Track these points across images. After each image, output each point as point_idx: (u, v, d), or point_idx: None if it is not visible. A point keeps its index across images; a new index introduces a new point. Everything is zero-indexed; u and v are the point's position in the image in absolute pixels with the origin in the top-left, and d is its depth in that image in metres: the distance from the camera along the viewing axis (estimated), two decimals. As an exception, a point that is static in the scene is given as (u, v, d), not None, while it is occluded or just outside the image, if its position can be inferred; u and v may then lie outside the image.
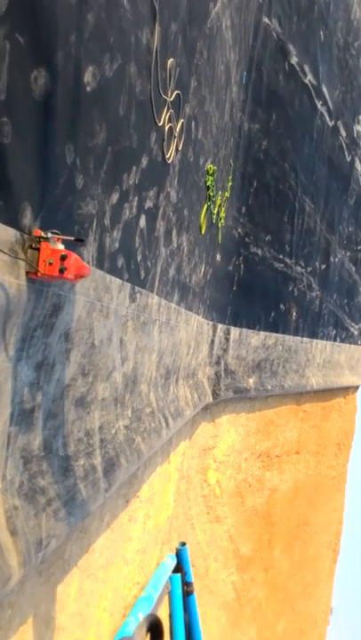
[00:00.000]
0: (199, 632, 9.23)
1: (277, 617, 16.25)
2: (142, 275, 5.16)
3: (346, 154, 16.60)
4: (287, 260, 13.16)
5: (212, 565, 11.38)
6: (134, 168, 4.41)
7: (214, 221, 8.35)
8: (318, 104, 13.63)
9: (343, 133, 15.99)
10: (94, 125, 3.53)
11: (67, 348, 3.57)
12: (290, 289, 13.70)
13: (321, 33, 13.11)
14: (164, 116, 4.94)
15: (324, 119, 14.27)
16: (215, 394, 9.96)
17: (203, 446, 10.43)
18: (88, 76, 3.32)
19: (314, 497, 18.75)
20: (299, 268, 14.03)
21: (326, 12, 13.33)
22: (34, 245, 2.78)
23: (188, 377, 8.36)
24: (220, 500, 11.52)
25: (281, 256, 12.75)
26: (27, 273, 2.77)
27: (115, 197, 4.08)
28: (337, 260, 17.37)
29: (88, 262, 3.76)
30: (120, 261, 4.46)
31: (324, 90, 13.82)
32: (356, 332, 21.21)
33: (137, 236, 4.82)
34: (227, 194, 8.95)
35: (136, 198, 4.60)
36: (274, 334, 12.86)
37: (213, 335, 9.71)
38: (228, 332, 10.32)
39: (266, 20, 10.07)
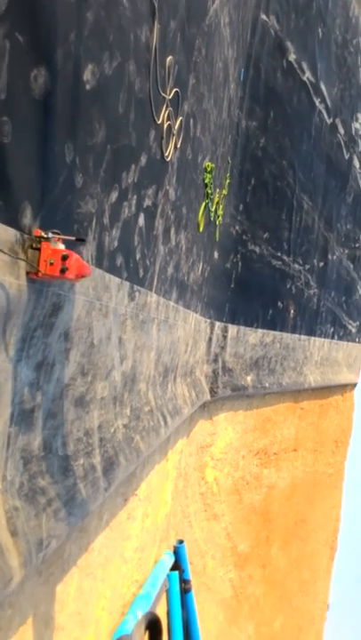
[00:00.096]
0: (197, 629, 9.25)
1: (275, 614, 16.31)
2: (141, 273, 5.15)
3: (344, 151, 16.58)
4: (285, 257, 13.15)
5: (210, 563, 11.40)
6: (133, 166, 4.40)
7: (212, 219, 8.34)
8: (316, 101, 13.60)
9: (341, 131, 15.97)
10: (94, 124, 3.51)
11: (66, 348, 3.57)
12: (288, 286, 13.69)
13: (319, 30, 13.08)
14: (163, 113, 4.92)
15: (323, 116, 14.25)
16: (213, 392, 9.96)
17: (200, 444, 10.43)
18: (87, 75, 3.31)
19: (311, 494, 18.80)
20: (297, 266, 14.02)
21: (325, 8, 13.29)
22: (34, 245, 2.77)
23: (186, 375, 8.36)
24: (218, 498, 11.53)
25: (279, 254, 12.73)
26: (27, 273, 2.76)
27: (114, 196, 4.07)
28: (335, 257, 17.36)
29: (87, 261, 3.75)
30: (119, 260, 4.45)
31: (323, 87, 13.79)
32: (353, 330, 21.22)
33: (136, 235, 4.81)
34: (225, 191, 8.93)
35: (135, 197, 4.58)
36: (272, 332, 12.86)
37: (211, 333, 9.70)
38: (225, 330, 10.31)
39: (264, 16, 10.04)
